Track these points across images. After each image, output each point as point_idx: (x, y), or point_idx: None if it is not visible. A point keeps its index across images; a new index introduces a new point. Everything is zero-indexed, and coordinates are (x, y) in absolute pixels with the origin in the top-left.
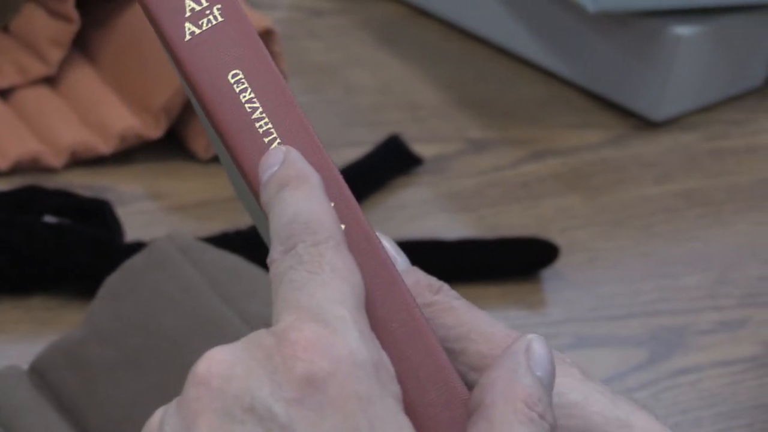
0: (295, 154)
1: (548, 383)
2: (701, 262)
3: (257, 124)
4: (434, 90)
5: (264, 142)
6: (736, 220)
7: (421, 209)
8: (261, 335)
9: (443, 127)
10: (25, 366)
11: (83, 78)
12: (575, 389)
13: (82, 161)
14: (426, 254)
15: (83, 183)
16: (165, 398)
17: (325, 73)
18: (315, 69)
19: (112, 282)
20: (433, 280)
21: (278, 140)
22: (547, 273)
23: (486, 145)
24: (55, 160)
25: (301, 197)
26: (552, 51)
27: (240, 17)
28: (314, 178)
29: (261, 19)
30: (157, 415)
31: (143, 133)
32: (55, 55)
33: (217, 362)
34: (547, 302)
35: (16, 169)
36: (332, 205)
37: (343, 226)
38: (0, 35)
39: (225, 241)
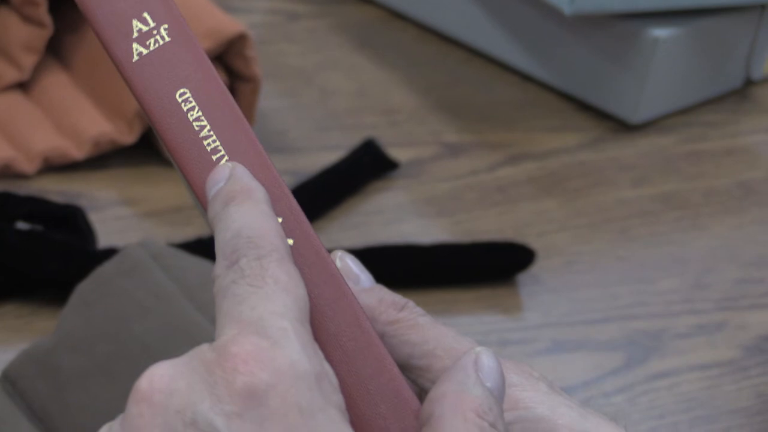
0: (240, 170)
1: (499, 394)
2: (678, 265)
3: (205, 142)
4: (410, 94)
5: (212, 159)
6: (714, 223)
7: (397, 214)
8: (203, 350)
9: (419, 131)
10: None
11: (57, 83)
12: (542, 403)
13: (56, 167)
14: (402, 259)
15: (56, 189)
16: None
17: (300, 77)
18: (291, 73)
19: (83, 289)
20: (398, 297)
21: (226, 157)
22: (524, 277)
23: (462, 149)
24: (28, 166)
25: (245, 212)
26: (529, 54)
27: (187, 36)
28: (259, 193)
29: (234, 24)
30: (102, 431)
31: (117, 139)
32: (29, 60)
33: (158, 377)
34: (523, 307)
35: None
36: (280, 220)
37: (291, 241)
38: None
39: (199, 246)
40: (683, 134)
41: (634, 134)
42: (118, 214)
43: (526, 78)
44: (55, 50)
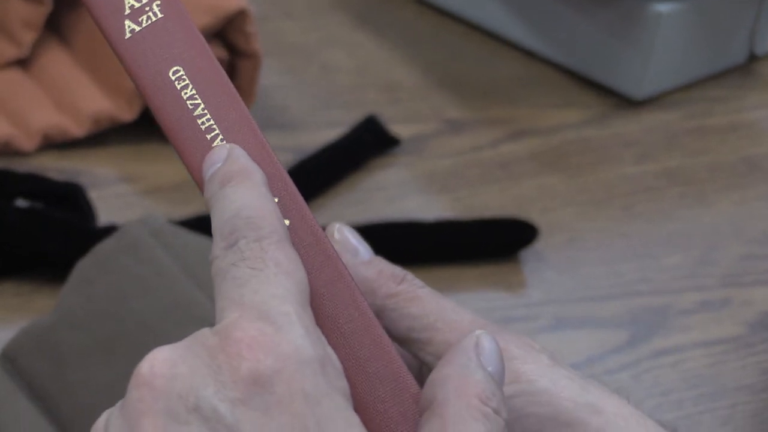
0: (238, 151)
1: (499, 379)
2: (683, 241)
3: (199, 121)
4: (411, 70)
5: (206, 138)
6: (719, 199)
7: (399, 190)
8: (204, 334)
9: (421, 108)
10: None
11: (56, 60)
12: (544, 376)
13: (55, 144)
14: (404, 236)
15: (56, 166)
16: None
17: (301, 53)
18: (291, 50)
19: (82, 266)
20: (397, 270)
21: (221, 136)
22: (527, 254)
23: (464, 126)
24: (27, 144)
25: (243, 193)
26: (531, 29)
27: (180, 13)
28: (257, 174)
29: (234, 0)
30: (103, 417)
31: (117, 116)
32: (28, 37)
33: (160, 362)
34: (526, 283)
35: None
36: (276, 200)
37: (287, 222)
38: None
39: (199, 224)
40: (687, 110)
41: (637, 110)
42: (118, 191)
43: (529, 54)
44: (55, 27)
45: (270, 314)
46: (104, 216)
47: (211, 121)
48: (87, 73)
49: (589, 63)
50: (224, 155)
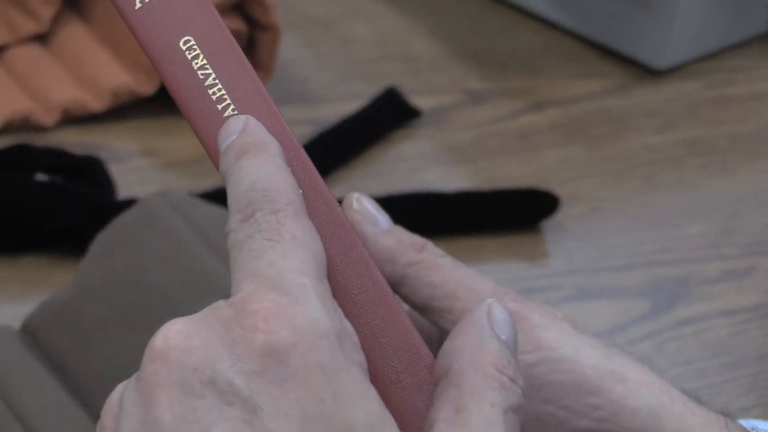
0: (254, 123)
1: (513, 347)
2: (705, 211)
3: (210, 91)
4: (431, 41)
5: (218, 108)
6: (740, 168)
7: (420, 162)
8: (220, 306)
9: (441, 79)
10: (17, 326)
11: (75, 35)
12: (567, 344)
13: (75, 119)
14: (425, 207)
15: (76, 141)
16: None
17: (320, 25)
18: (311, 22)
19: (102, 239)
20: (417, 239)
21: (232, 107)
22: (548, 224)
23: (484, 97)
24: (47, 118)
25: (259, 165)
26: None
27: None
28: (273, 146)
29: None
30: (117, 390)
31: (136, 90)
32: (46, 12)
33: (174, 334)
34: (548, 254)
35: (7, 128)
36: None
37: (300, 192)
38: None
39: (219, 196)
40: (708, 79)
41: (658, 80)
42: (138, 165)
43: (549, 24)
44: (73, 1)
45: (286, 286)
46: (124, 190)
47: (223, 91)
48: (106, 47)
49: (610, 33)
50: (240, 127)
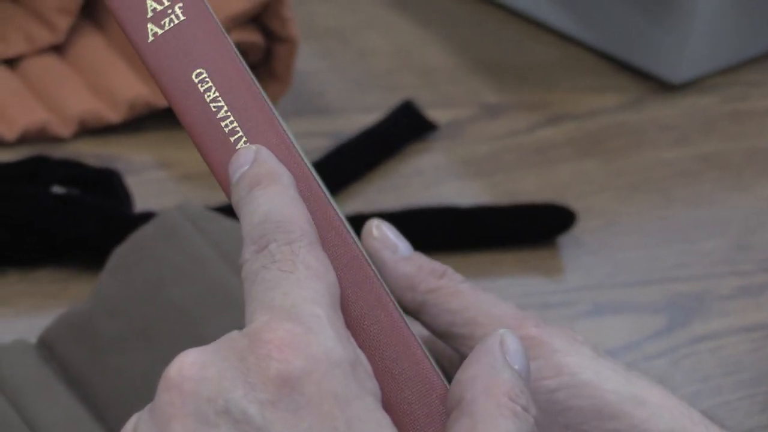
0: (265, 153)
1: (526, 376)
2: (721, 226)
3: (223, 123)
4: (448, 54)
5: (230, 141)
6: (756, 183)
7: (436, 175)
8: (234, 337)
9: (457, 92)
10: (33, 339)
11: (91, 46)
12: (587, 368)
13: (91, 130)
14: (441, 221)
15: (92, 152)
16: None
17: (337, 37)
18: (327, 34)
19: (120, 253)
20: (437, 265)
21: (245, 139)
22: (564, 239)
23: (501, 110)
24: (64, 130)
25: (272, 196)
26: (567, 12)
27: (203, 14)
28: (286, 177)
29: None
30: (132, 421)
31: (153, 102)
32: (63, 22)
33: (189, 365)
34: (564, 269)
35: (23, 139)
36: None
37: (313, 223)
38: (7, 3)
39: None
40: (725, 94)
41: (674, 94)
42: (155, 177)
43: (565, 37)
44: (90, 12)
45: (300, 316)
46: (141, 202)
47: (235, 124)
48: (123, 58)
49: (626, 46)
50: (251, 157)
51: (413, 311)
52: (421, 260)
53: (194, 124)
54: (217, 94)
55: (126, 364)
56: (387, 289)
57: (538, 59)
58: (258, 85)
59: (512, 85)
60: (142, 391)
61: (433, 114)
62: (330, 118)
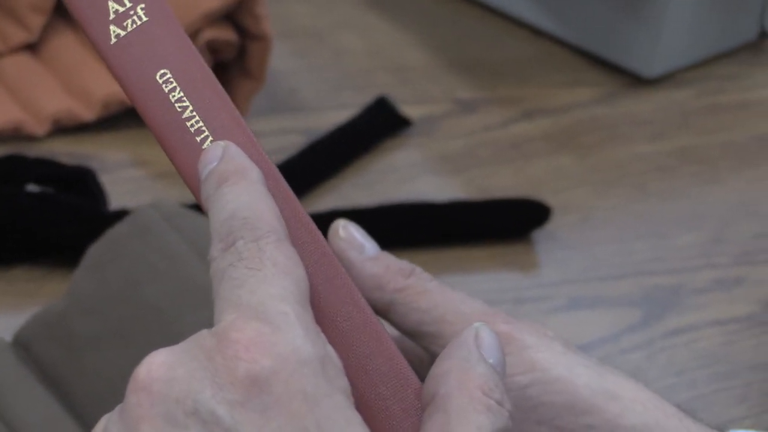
0: (233, 149)
1: (501, 370)
2: (696, 220)
3: (188, 123)
4: (422, 52)
5: (197, 141)
6: (731, 177)
7: (411, 171)
8: (202, 336)
9: (432, 89)
10: (9, 338)
11: (65, 44)
12: (559, 364)
13: (66, 129)
14: (416, 217)
15: (67, 151)
16: None
17: (313, 36)
18: (303, 33)
19: (95, 251)
20: (405, 264)
21: (210, 138)
22: (540, 234)
23: (475, 106)
24: (38, 128)
25: (240, 192)
26: (540, 8)
27: (165, 15)
28: (254, 172)
29: None
30: (101, 423)
31: (127, 100)
32: (37, 21)
33: (157, 366)
34: (539, 264)
35: None
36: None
37: (282, 218)
38: None
39: None
40: (699, 88)
41: (648, 88)
42: (130, 175)
43: (538, 33)
44: (64, 10)
45: (267, 314)
46: (115, 200)
47: (201, 123)
48: (97, 56)
49: (600, 41)
50: (219, 154)
51: (382, 311)
52: (389, 260)
53: (160, 125)
54: (182, 94)
55: (102, 363)
56: (357, 286)
57: (512, 55)
58: (221, 87)
59: (486, 80)
60: (119, 389)
61: (408, 110)
62: (304, 115)
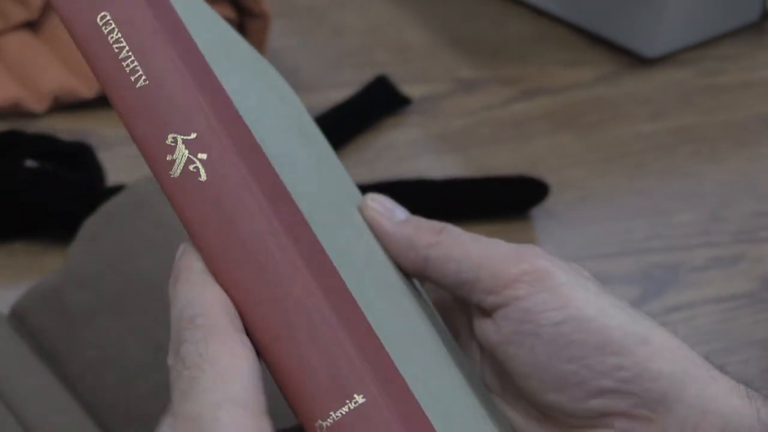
0: (186, 246)
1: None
2: (695, 198)
3: (124, 63)
4: (423, 31)
5: (131, 80)
6: (731, 156)
7: (410, 150)
8: None
9: (432, 68)
10: (6, 311)
11: None
12: (593, 303)
13: (65, 105)
14: (415, 194)
15: (65, 127)
16: (144, 341)
17: (311, 14)
18: (302, 11)
19: (90, 224)
20: (435, 223)
21: (144, 77)
22: (538, 212)
23: (476, 85)
24: (38, 105)
25: (183, 289)
26: None
27: None
28: (196, 262)
29: None
30: None
31: None
32: None
33: None
34: (538, 241)
35: None
36: (194, 135)
37: (205, 155)
38: None
39: None
40: (700, 68)
41: (650, 68)
42: (127, 152)
43: (540, 12)
44: None
45: (202, 425)
46: (113, 176)
47: (135, 63)
48: None
49: (601, 21)
50: (179, 254)
51: (419, 271)
52: (419, 221)
53: (99, 65)
54: (119, 35)
55: (98, 336)
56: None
57: (513, 34)
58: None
59: (487, 60)
60: (113, 362)
61: (408, 89)
62: (303, 93)
